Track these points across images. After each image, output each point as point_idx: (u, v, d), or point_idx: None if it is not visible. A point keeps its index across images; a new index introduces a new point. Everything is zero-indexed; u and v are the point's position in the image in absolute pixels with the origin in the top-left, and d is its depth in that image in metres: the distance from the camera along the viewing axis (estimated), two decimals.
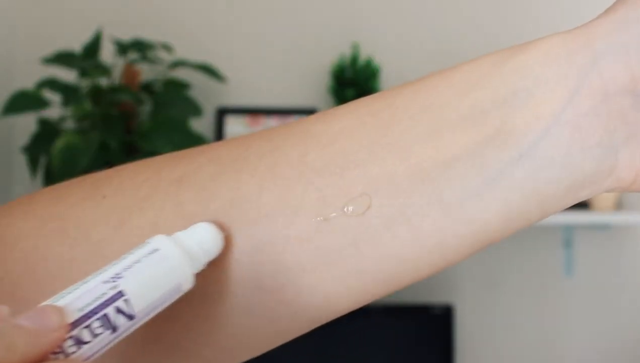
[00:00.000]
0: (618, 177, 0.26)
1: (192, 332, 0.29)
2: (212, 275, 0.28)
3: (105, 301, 0.24)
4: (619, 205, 1.77)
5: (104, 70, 1.53)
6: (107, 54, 1.70)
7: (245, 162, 0.28)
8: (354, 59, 1.77)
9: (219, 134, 1.79)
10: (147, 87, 1.66)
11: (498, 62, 0.27)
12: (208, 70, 1.63)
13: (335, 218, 0.27)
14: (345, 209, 0.27)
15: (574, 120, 0.25)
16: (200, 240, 0.26)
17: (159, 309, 0.25)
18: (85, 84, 1.58)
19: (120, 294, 0.24)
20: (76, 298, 0.23)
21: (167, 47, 1.66)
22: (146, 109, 1.65)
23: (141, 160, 0.31)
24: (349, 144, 0.27)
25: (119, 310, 0.24)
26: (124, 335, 0.24)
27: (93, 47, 1.58)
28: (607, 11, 0.26)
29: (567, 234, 1.86)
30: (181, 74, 1.75)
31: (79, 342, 0.23)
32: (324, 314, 0.29)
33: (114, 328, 0.24)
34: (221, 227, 0.27)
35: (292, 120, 1.81)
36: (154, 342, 0.29)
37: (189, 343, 0.29)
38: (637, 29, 0.25)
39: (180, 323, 0.29)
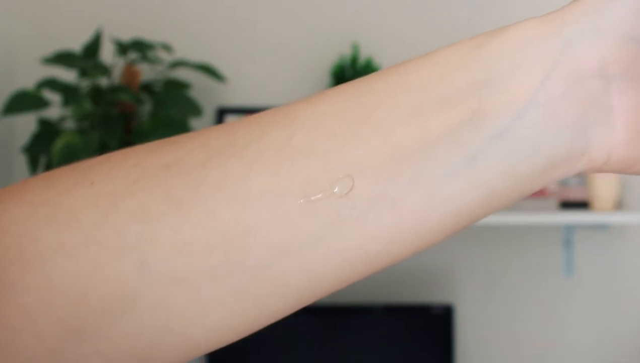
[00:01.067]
0: (590, 158, 0.27)
1: (184, 315, 0.29)
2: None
3: None
4: (619, 205, 1.77)
5: (104, 70, 1.53)
6: (107, 54, 1.70)
7: (233, 147, 0.29)
8: (354, 59, 1.77)
9: None
10: (147, 87, 1.66)
11: (475, 45, 0.28)
12: (208, 70, 1.63)
13: (320, 199, 0.28)
14: (335, 190, 0.27)
15: (547, 102, 0.26)
16: None
17: None
18: (85, 84, 1.58)
19: None
20: None
21: (167, 47, 1.67)
22: (146, 109, 1.65)
23: (130, 147, 0.31)
24: (334, 126, 0.28)
25: None
26: None
27: (93, 47, 1.58)
28: None
29: (567, 234, 1.86)
30: (181, 74, 1.75)
31: None
32: (310, 293, 0.29)
33: None
34: None
35: None
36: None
37: (178, 325, 0.29)
38: (608, 13, 0.26)
39: (171, 306, 0.29)
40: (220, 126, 0.30)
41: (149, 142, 0.31)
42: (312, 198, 0.28)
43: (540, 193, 1.75)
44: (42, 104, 1.51)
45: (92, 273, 0.29)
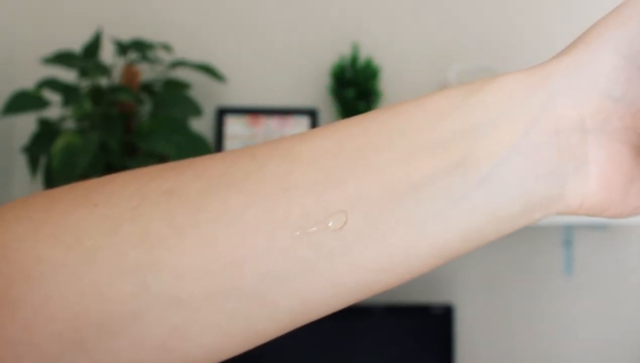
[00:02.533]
0: (566, 203, 0.29)
1: (181, 334, 0.30)
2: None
3: None
4: None
5: (104, 70, 1.53)
6: (107, 54, 1.70)
7: (232, 178, 0.30)
8: (354, 59, 1.77)
9: (219, 134, 1.79)
10: (147, 87, 1.66)
11: (465, 94, 0.30)
12: (208, 70, 1.63)
13: (314, 233, 0.29)
14: (329, 224, 0.29)
15: (529, 151, 0.28)
16: None
17: None
18: (85, 84, 1.58)
19: None
20: None
21: (167, 47, 1.67)
22: (146, 109, 1.65)
23: (131, 171, 0.33)
24: (330, 164, 0.30)
25: None
26: None
27: (93, 47, 1.58)
28: (563, 52, 0.29)
29: (567, 234, 1.86)
30: (181, 74, 1.75)
31: None
32: (302, 318, 0.31)
33: None
34: None
35: (292, 120, 1.81)
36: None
37: (175, 344, 0.31)
38: (589, 71, 0.28)
39: (169, 326, 0.31)
40: (217, 155, 0.32)
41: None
42: (308, 231, 0.29)
43: None
44: (42, 104, 1.51)
45: (93, 292, 0.30)
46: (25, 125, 1.73)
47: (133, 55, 1.65)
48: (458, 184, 0.29)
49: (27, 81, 1.70)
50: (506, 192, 0.28)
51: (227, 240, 0.29)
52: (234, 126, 1.80)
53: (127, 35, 1.72)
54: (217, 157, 0.32)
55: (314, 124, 1.79)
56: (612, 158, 0.28)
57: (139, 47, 1.60)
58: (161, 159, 1.52)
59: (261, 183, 0.30)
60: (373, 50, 1.84)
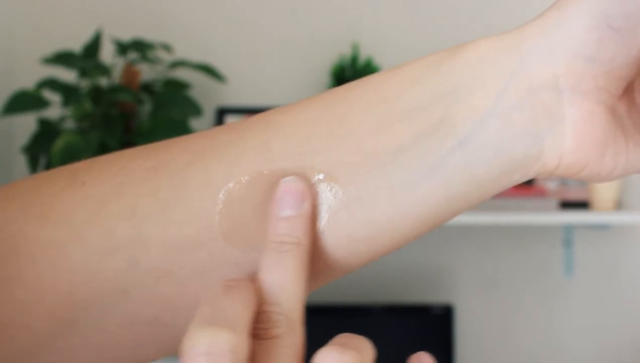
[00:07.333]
0: (544, 163, 0.29)
1: (172, 307, 0.31)
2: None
3: None
4: (619, 205, 1.77)
5: (104, 70, 1.53)
6: (107, 54, 1.70)
7: (214, 151, 0.31)
8: (354, 59, 1.77)
9: None
10: (147, 87, 1.66)
11: (439, 60, 0.30)
12: (208, 70, 1.63)
13: None
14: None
15: (504, 112, 0.29)
16: None
17: None
18: (85, 84, 1.58)
19: None
20: None
21: (167, 47, 1.67)
22: (146, 109, 1.65)
23: (117, 152, 0.33)
24: (309, 133, 0.30)
25: None
26: None
27: (93, 47, 1.58)
28: (536, 18, 0.30)
29: (567, 234, 1.86)
30: (181, 74, 1.75)
31: None
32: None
33: None
34: None
35: None
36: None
37: (167, 317, 0.31)
38: (562, 32, 0.28)
39: (161, 299, 0.31)
40: (198, 133, 0.33)
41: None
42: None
43: (540, 193, 1.75)
44: (42, 104, 1.51)
45: (83, 269, 0.30)
46: (25, 125, 1.73)
47: (133, 55, 1.65)
48: (436, 149, 0.29)
49: (27, 81, 1.70)
50: (484, 154, 0.29)
51: (213, 211, 0.30)
52: None
53: (127, 35, 1.72)
54: (198, 134, 0.32)
55: None
56: (587, 117, 0.29)
57: (139, 47, 1.60)
58: None
59: (241, 154, 0.30)
60: (373, 50, 1.84)
